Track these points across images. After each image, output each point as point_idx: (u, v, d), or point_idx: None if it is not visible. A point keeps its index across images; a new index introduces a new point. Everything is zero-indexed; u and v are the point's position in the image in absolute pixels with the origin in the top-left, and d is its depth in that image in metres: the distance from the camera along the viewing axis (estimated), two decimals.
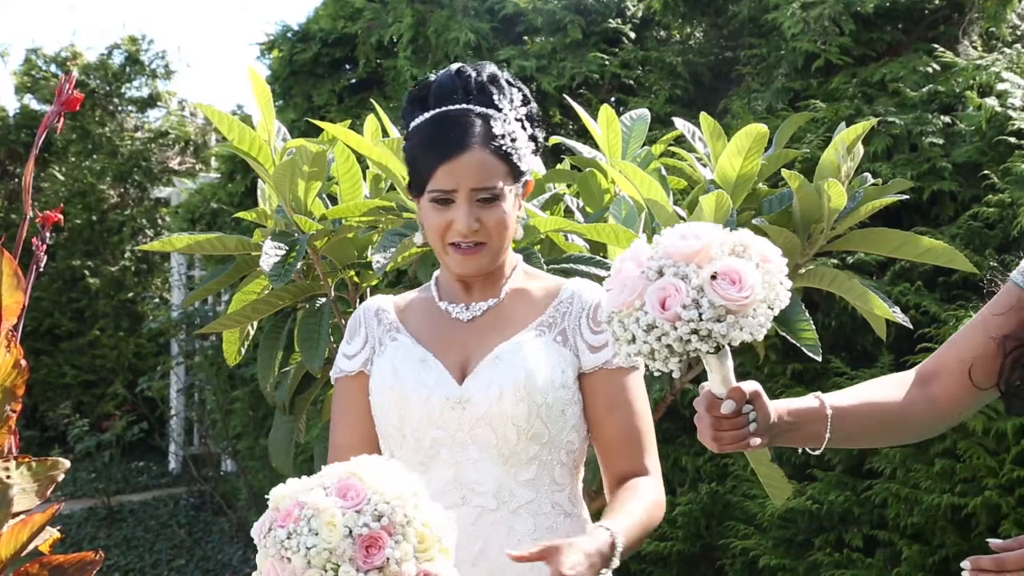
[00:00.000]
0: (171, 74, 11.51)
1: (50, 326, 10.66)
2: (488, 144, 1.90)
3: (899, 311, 2.62)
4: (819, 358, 2.51)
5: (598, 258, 2.63)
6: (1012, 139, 4.17)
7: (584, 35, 6.18)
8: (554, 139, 3.03)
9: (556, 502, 1.94)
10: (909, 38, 5.05)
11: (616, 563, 1.75)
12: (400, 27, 6.67)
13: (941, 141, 4.35)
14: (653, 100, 5.69)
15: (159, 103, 11.56)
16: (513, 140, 1.92)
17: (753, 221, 2.62)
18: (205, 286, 3.16)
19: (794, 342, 2.51)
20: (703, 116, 2.82)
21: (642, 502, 1.88)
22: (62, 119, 1.55)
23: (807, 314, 2.53)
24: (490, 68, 1.98)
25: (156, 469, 9.69)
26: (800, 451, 1.81)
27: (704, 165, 2.87)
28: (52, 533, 1.48)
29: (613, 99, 6.01)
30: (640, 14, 6.39)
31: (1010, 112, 4.22)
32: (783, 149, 2.88)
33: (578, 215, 2.92)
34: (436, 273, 2.08)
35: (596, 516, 2.23)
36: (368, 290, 2.97)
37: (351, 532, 1.48)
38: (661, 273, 1.56)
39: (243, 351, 3.01)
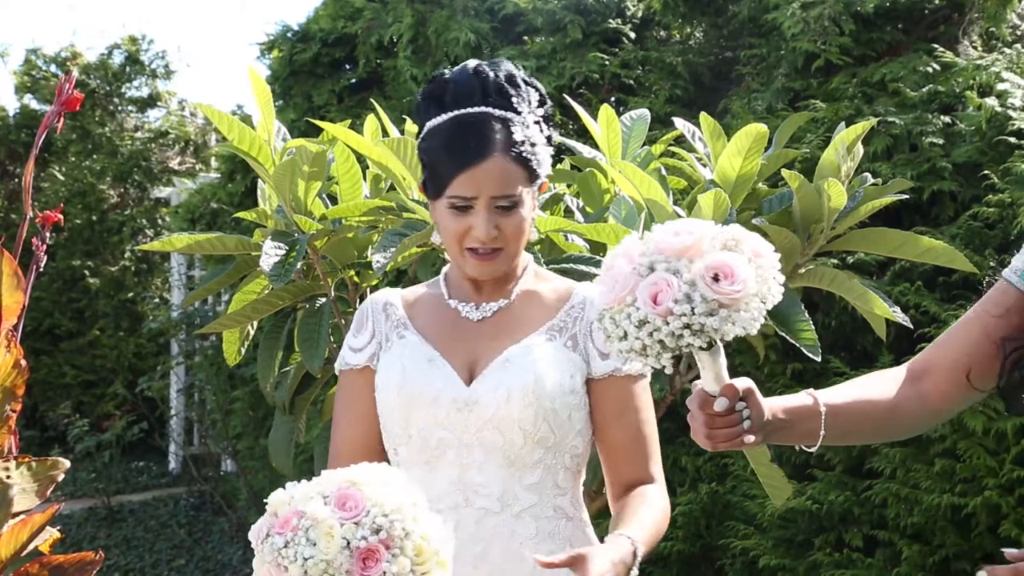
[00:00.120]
0: (171, 74, 11.52)
1: (50, 326, 10.67)
2: (509, 151, 1.88)
3: (899, 311, 2.62)
4: (819, 358, 2.50)
5: (598, 258, 2.62)
6: (1012, 139, 4.17)
7: (584, 35, 6.18)
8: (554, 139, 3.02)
9: (558, 506, 1.94)
10: (909, 38, 5.05)
11: (636, 572, 1.76)
12: (400, 27, 6.67)
13: (941, 141, 4.35)
14: (653, 100, 5.69)
15: (159, 103, 11.57)
16: (533, 145, 1.90)
17: (753, 221, 2.62)
18: (205, 286, 3.16)
19: (793, 342, 2.51)
20: (703, 116, 2.82)
21: (653, 511, 1.88)
22: (62, 119, 1.55)
23: (806, 314, 2.53)
24: (507, 66, 1.95)
25: (156, 469, 9.69)
26: (797, 448, 1.80)
27: (704, 165, 2.87)
28: (52, 533, 1.48)
29: (613, 99, 6.01)
30: (640, 14, 6.39)
31: (1010, 112, 4.22)
32: (783, 149, 2.88)
33: (578, 215, 2.92)
34: (445, 269, 2.06)
35: (596, 516, 2.23)
36: (368, 290, 2.97)
37: (349, 544, 1.47)
38: (652, 268, 1.55)
39: (243, 351, 3.01)
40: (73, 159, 10.98)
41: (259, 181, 2.97)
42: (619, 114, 2.89)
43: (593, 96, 5.90)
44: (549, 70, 6.10)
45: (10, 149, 11.13)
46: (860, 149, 2.64)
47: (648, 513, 1.87)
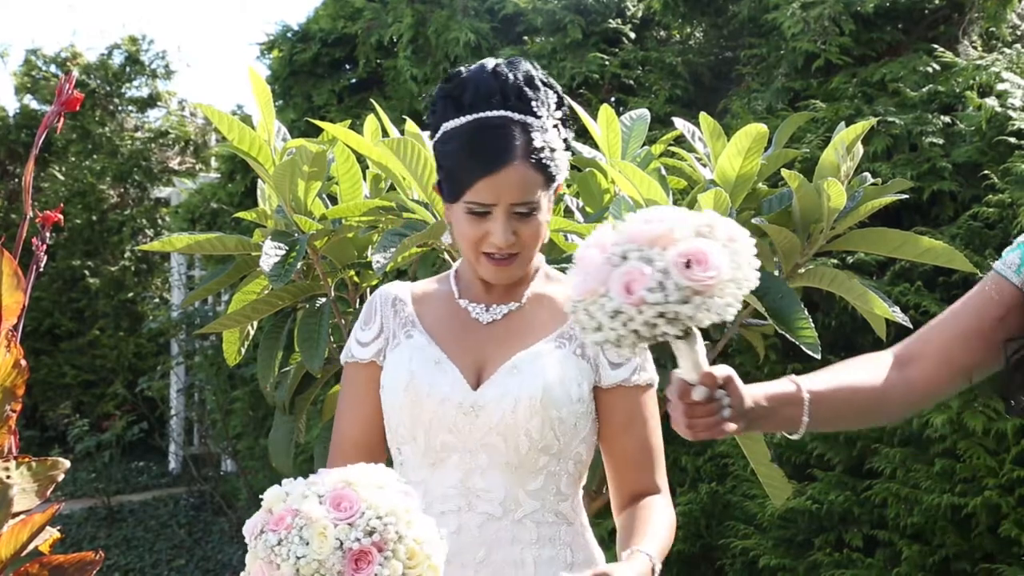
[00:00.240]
0: (171, 74, 11.52)
1: (50, 326, 10.67)
2: (529, 157, 1.85)
3: (899, 311, 2.62)
4: (819, 356, 2.50)
5: None
6: (1012, 139, 4.17)
7: (584, 35, 6.18)
8: None
9: (559, 511, 1.93)
10: (909, 38, 5.05)
11: None
12: (400, 27, 6.67)
13: (941, 141, 4.35)
14: (653, 100, 5.69)
15: (159, 103, 11.57)
16: (552, 151, 1.88)
17: (753, 221, 2.63)
18: (205, 286, 3.16)
19: (794, 341, 2.51)
20: (703, 116, 2.82)
21: (664, 525, 1.88)
22: (62, 119, 1.55)
23: (806, 313, 2.53)
24: (525, 67, 1.92)
25: (156, 469, 9.69)
26: (779, 436, 1.79)
27: (704, 165, 2.87)
28: (52, 533, 1.48)
29: (613, 99, 6.01)
30: (640, 14, 6.39)
31: (1010, 112, 4.22)
32: (783, 149, 2.88)
33: (578, 215, 2.92)
34: (456, 264, 2.04)
35: (595, 516, 2.23)
36: (368, 290, 2.97)
37: (342, 545, 1.47)
38: (625, 257, 1.52)
39: (243, 351, 3.01)
40: (73, 159, 10.98)
41: (259, 181, 2.97)
42: (619, 114, 2.89)
43: (593, 96, 5.90)
44: (549, 70, 6.09)
45: (10, 149, 11.13)
46: (860, 149, 2.64)
47: (660, 527, 1.86)
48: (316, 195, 2.83)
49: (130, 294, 10.79)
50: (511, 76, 1.89)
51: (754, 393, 1.68)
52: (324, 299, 2.88)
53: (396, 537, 1.49)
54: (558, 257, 2.64)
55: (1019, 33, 5.30)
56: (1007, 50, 4.82)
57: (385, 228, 2.80)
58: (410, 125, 2.85)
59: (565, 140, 1.93)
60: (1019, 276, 1.76)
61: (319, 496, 1.51)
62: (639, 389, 1.94)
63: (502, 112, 1.87)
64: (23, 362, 1.43)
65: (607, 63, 6.06)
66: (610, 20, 6.26)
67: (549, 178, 1.89)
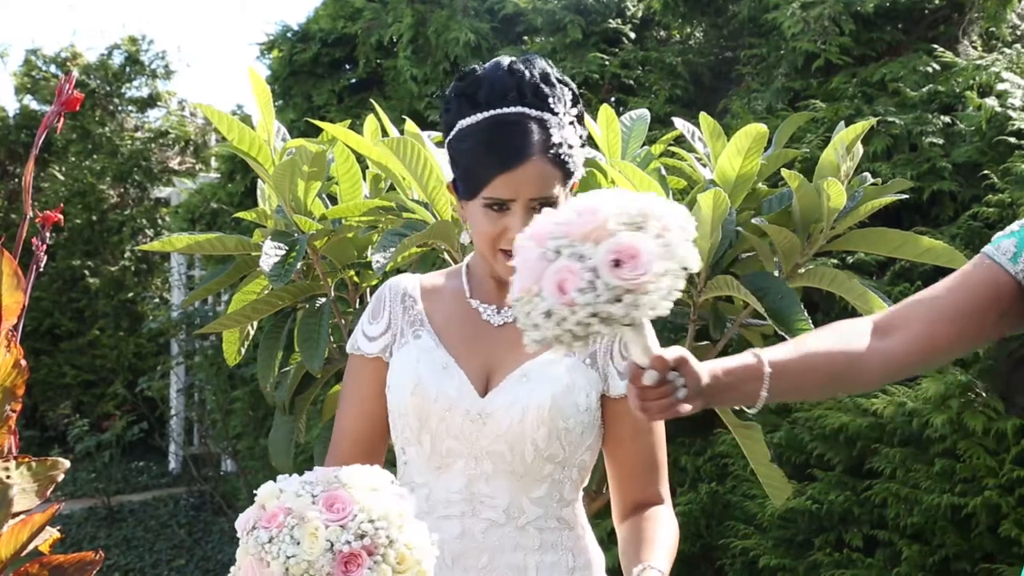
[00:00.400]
0: (171, 74, 11.53)
1: (50, 326, 10.68)
2: (547, 153, 1.85)
3: None
4: None
5: None
6: (1012, 139, 4.18)
7: (584, 35, 6.18)
8: None
9: (561, 517, 1.93)
10: (909, 38, 5.05)
11: None
12: (400, 27, 6.67)
13: (941, 141, 4.36)
14: (653, 100, 5.69)
15: (159, 103, 11.58)
16: (570, 147, 1.88)
17: (753, 221, 2.63)
18: (205, 286, 3.16)
19: None
20: (703, 116, 2.82)
21: (670, 538, 1.88)
22: (62, 119, 1.55)
23: (806, 313, 2.53)
24: (540, 64, 1.91)
25: (156, 469, 9.69)
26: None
27: (704, 165, 2.87)
28: (52, 533, 1.48)
29: (613, 99, 6.01)
30: (640, 14, 6.39)
31: (1010, 112, 4.22)
32: (783, 149, 2.88)
33: None
34: (468, 260, 2.03)
35: (594, 517, 2.23)
36: (368, 290, 2.97)
37: (332, 547, 1.46)
38: (559, 253, 1.50)
39: (243, 351, 3.01)
40: (73, 159, 10.99)
41: (259, 181, 2.97)
42: (619, 114, 2.89)
43: (593, 96, 5.90)
44: None
45: (10, 149, 11.13)
46: (860, 149, 2.64)
47: (668, 540, 1.87)
48: (316, 195, 2.83)
49: (130, 294, 10.80)
50: (527, 73, 1.88)
51: (713, 369, 1.66)
52: (324, 299, 2.88)
53: (387, 541, 1.48)
54: None
55: (1019, 33, 5.30)
56: (1007, 50, 4.82)
57: (385, 228, 2.80)
58: (410, 125, 2.85)
59: (581, 137, 1.93)
60: (1015, 265, 1.73)
61: (312, 496, 1.51)
62: None
63: (519, 108, 1.86)
64: (23, 362, 1.43)
65: (607, 63, 6.06)
66: (610, 20, 6.27)
67: (567, 174, 1.88)
